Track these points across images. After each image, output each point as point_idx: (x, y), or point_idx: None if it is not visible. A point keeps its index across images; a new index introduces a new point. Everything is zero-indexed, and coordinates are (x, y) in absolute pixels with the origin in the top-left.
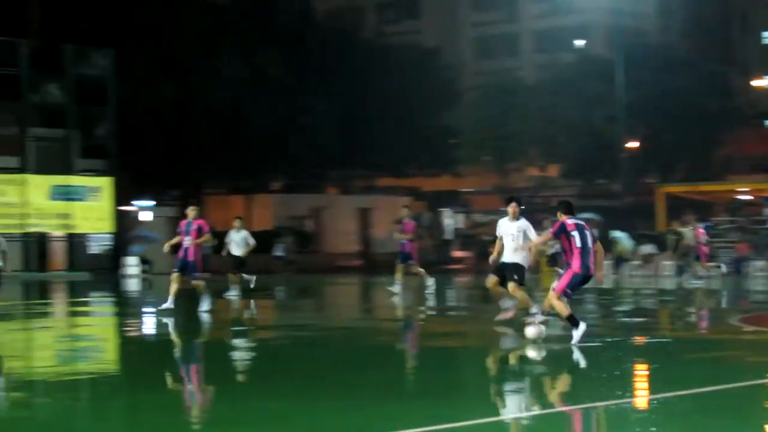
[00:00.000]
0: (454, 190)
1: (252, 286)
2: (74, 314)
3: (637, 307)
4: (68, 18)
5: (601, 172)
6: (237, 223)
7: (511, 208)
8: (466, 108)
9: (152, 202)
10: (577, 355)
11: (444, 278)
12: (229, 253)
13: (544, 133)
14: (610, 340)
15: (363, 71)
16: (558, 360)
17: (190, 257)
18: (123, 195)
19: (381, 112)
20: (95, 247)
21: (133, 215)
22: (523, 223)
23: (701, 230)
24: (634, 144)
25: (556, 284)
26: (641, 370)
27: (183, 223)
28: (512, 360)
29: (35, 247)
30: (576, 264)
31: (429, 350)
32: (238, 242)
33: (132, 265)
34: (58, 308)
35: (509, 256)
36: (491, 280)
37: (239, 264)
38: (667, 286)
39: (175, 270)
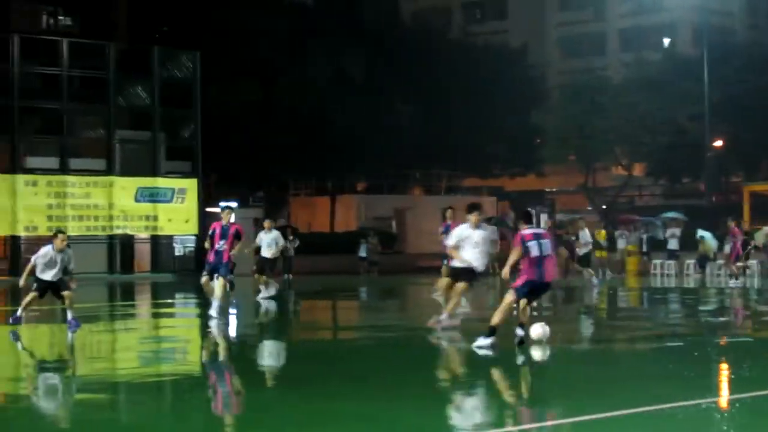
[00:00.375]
0: (538, 190)
1: (273, 293)
2: (157, 315)
3: (719, 307)
4: (154, 21)
5: (687, 171)
6: (267, 224)
7: (473, 216)
8: (552, 107)
9: (235, 204)
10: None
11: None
12: (258, 253)
13: (630, 132)
14: (692, 339)
15: (448, 71)
16: (635, 360)
17: (225, 259)
18: (208, 196)
19: (466, 111)
20: (180, 249)
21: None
22: (485, 231)
23: (737, 229)
24: (719, 143)
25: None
26: (722, 370)
27: (217, 225)
28: (586, 361)
29: (120, 248)
30: (530, 272)
31: (510, 351)
32: (268, 243)
33: None
34: (141, 310)
35: (467, 261)
36: (444, 282)
37: (269, 266)
38: (751, 285)
39: (205, 274)
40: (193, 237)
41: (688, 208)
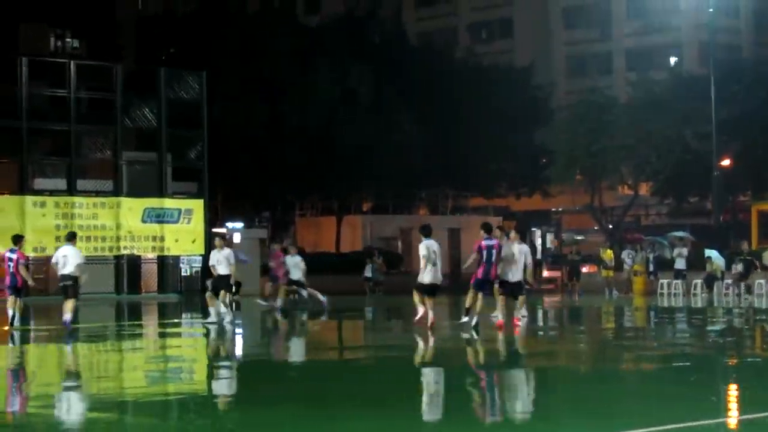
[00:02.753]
0: (544, 210)
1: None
2: (163, 335)
3: (727, 327)
4: (161, 42)
5: (694, 190)
6: (218, 242)
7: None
8: (558, 127)
9: (241, 224)
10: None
11: (534, 298)
12: (214, 274)
13: (636, 151)
14: (700, 359)
15: (454, 91)
16: (641, 380)
17: (20, 284)
18: (215, 217)
19: (472, 131)
20: (187, 269)
21: (225, 237)
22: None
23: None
24: (726, 161)
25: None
26: (731, 390)
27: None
28: (598, 379)
29: (127, 269)
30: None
31: (517, 370)
32: (220, 261)
33: None
34: (148, 330)
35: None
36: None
37: (225, 284)
38: (760, 304)
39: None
40: (200, 257)
41: (695, 228)
